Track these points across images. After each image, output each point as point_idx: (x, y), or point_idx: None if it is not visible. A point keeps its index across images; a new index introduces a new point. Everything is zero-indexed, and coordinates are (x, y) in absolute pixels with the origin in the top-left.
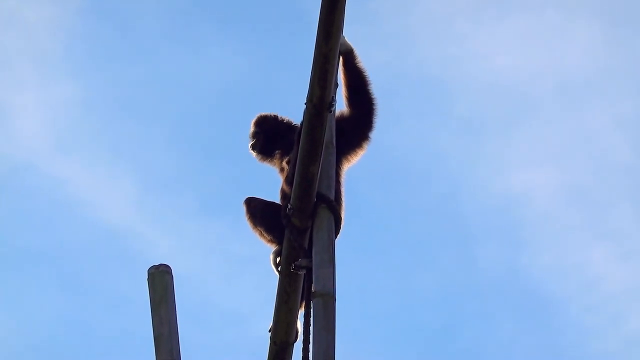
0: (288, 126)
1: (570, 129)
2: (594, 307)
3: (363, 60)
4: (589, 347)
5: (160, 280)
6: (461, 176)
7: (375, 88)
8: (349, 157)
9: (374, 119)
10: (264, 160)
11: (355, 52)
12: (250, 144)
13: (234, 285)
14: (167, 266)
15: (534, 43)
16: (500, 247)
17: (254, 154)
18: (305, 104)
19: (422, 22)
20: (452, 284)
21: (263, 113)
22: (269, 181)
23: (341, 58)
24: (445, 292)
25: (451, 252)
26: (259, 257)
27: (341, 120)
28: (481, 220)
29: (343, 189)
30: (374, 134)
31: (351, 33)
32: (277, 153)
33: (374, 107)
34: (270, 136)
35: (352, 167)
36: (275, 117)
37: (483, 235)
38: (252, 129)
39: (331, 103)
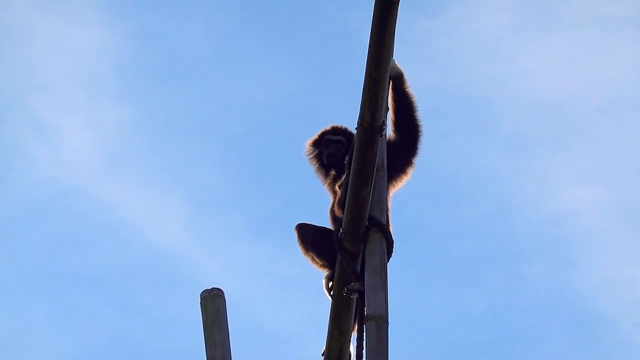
0: (350, 143)
1: (617, 146)
2: None
3: (411, 81)
4: None
5: (213, 304)
6: (509, 195)
7: (423, 108)
8: (394, 182)
9: (418, 145)
10: (323, 173)
11: (404, 76)
12: (314, 154)
13: (284, 307)
14: (219, 290)
15: (579, 61)
16: (549, 265)
17: (315, 165)
18: (355, 128)
19: (468, 42)
20: (502, 302)
21: (337, 125)
22: (318, 202)
23: (391, 82)
24: (495, 311)
25: (500, 271)
26: (309, 278)
27: (387, 144)
28: (530, 238)
29: (390, 213)
30: (418, 160)
31: (399, 54)
32: (331, 175)
33: (420, 133)
34: (336, 150)
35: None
36: (345, 130)
37: (532, 253)
38: (331, 135)
39: (382, 127)
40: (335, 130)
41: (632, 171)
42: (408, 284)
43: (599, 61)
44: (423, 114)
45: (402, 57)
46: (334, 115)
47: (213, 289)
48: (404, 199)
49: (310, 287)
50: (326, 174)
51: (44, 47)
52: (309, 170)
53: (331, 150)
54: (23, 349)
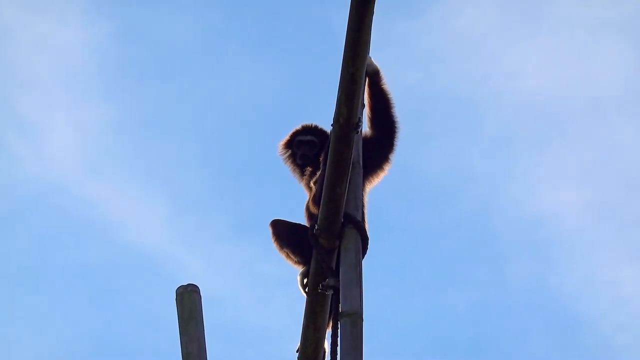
0: (324, 140)
1: (600, 147)
2: (625, 325)
3: (393, 81)
4: None
5: (189, 299)
6: (491, 195)
7: (405, 108)
8: (370, 178)
9: (395, 141)
10: (298, 172)
11: (381, 73)
12: (287, 154)
13: (264, 306)
14: (195, 286)
15: (563, 62)
16: (530, 265)
17: (288, 163)
18: (331, 124)
19: (451, 43)
20: (482, 302)
21: (309, 124)
22: (300, 202)
23: (367, 79)
24: (475, 310)
25: (481, 271)
26: (289, 278)
27: (364, 141)
28: (511, 238)
29: (366, 210)
30: (394, 157)
31: (380, 54)
32: (307, 172)
33: (396, 129)
34: (309, 149)
35: (383, 186)
36: (318, 129)
37: (513, 253)
38: (302, 135)
39: (358, 123)
40: (306, 130)
41: (613, 172)
42: (388, 282)
43: (582, 62)
44: (405, 115)
45: (383, 57)
46: (316, 114)
47: (189, 284)
48: (386, 199)
49: (290, 287)
50: (301, 172)
51: (27, 45)
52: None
53: (303, 152)
54: (5, 344)
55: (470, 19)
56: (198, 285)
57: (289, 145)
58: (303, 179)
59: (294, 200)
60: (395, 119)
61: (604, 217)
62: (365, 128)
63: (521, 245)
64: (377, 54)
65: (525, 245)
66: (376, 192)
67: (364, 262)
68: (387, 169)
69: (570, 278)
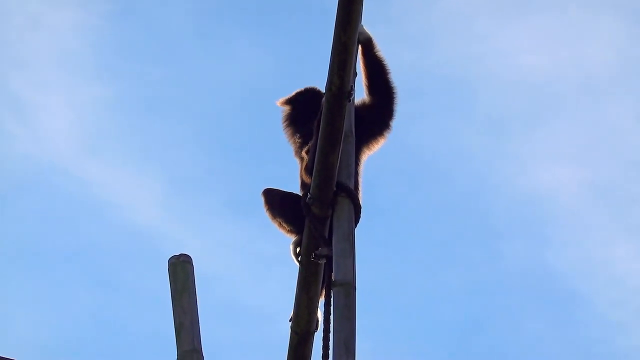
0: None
1: (594, 125)
2: (620, 303)
3: (387, 60)
4: (614, 343)
5: (182, 270)
6: (486, 173)
7: (399, 87)
8: (370, 145)
9: (394, 107)
10: (291, 132)
11: (374, 40)
12: (284, 115)
13: (260, 284)
14: (187, 256)
15: (557, 40)
16: (525, 243)
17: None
18: (323, 92)
19: (444, 21)
20: (477, 280)
21: (310, 87)
22: (296, 181)
23: (360, 47)
24: (470, 288)
25: (476, 249)
26: (286, 256)
27: (362, 108)
28: (506, 216)
29: (361, 179)
30: (394, 122)
31: (374, 32)
32: (298, 141)
33: (394, 95)
34: (305, 112)
35: (379, 163)
36: (317, 93)
37: (508, 231)
38: (292, 98)
39: (350, 92)
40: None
41: (608, 150)
42: (384, 259)
43: (577, 40)
44: (399, 93)
45: (377, 35)
46: None
47: (181, 255)
48: (381, 177)
49: (287, 265)
50: (294, 132)
51: (21, 25)
52: (288, 148)
53: (290, 111)
54: (1, 325)
55: None
56: (190, 256)
57: (289, 102)
58: (295, 147)
59: (291, 178)
60: (392, 85)
61: (599, 196)
62: (364, 97)
63: (516, 224)
64: (372, 31)
65: (520, 223)
66: (370, 170)
67: (357, 231)
68: (387, 135)
69: (565, 256)
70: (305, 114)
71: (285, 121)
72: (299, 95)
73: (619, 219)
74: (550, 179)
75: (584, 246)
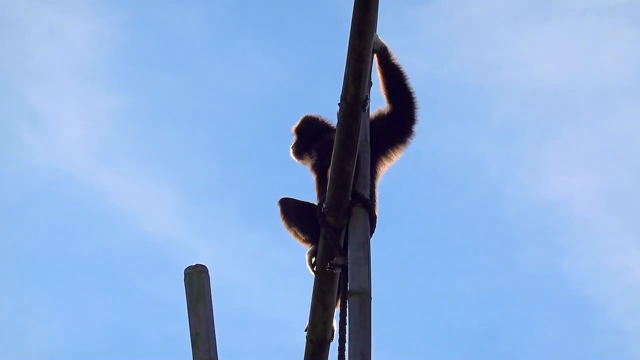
0: (326, 126)
1: (609, 133)
2: (635, 311)
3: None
4: (629, 351)
5: (197, 280)
6: (501, 182)
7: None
8: (391, 154)
9: (415, 113)
10: (302, 160)
11: (389, 49)
12: (291, 145)
13: (276, 293)
14: (203, 266)
15: (572, 49)
16: (540, 251)
17: (293, 155)
18: (339, 103)
19: (459, 31)
20: (492, 288)
21: (308, 115)
22: (311, 190)
23: (376, 56)
24: (484, 297)
25: (491, 257)
26: (301, 265)
27: (382, 118)
28: (521, 225)
29: (377, 190)
30: (416, 128)
31: (390, 42)
32: (314, 152)
33: (414, 101)
34: (311, 137)
35: (394, 172)
36: (317, 119)
37: (523, 239)
38: (295, 130)
39: (365, 101)
40: (299, 125)
41: (623, 158)
42: (399, 267)
43: (592, 48)
44: (414, 88)
45: (393, 45)
46: (326, 102)
47: (197, 265)
48: (396, 185)
49: (302, 275)
50: (305, 159)
51: (38, 36)
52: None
53: (294, 143)
54: (18, 336)
55: (480, 6)
56: (206, 266)
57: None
58: (309, 162)
59: (305, 188)
60: (411, 90)
61: (614, 204)
62: (382, 106)
63: (531, 232)
64: (388, 41)
65: (535, 232)
66: (386, 178)
67: (372, 241)
68: (410, 142)
69: (579, 265)
70: (311, 141)
71: (294, 153)
72: (300, 127)
73: (633, 227)
74: (565, 187)
75: (598, 254)
